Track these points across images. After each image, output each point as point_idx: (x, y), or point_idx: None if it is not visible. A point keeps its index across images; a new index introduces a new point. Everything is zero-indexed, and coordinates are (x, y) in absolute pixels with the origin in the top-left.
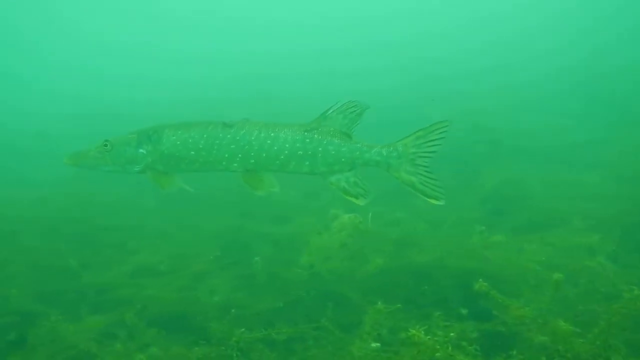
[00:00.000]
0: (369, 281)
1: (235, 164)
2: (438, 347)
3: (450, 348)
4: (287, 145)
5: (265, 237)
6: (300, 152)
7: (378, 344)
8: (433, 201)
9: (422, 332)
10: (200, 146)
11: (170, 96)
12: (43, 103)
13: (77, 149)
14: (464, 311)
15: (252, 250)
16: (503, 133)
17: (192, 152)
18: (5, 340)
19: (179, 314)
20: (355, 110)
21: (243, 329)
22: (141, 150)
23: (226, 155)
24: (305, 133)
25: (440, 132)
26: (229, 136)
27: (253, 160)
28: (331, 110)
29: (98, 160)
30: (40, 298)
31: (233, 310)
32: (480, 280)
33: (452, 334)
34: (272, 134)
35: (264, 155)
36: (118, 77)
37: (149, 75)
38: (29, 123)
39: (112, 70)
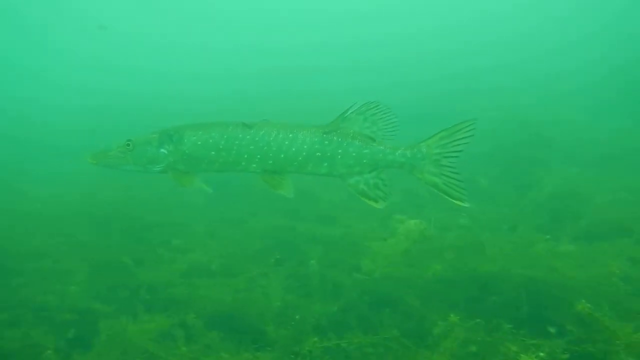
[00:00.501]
0: (429, 288)
1: (254, 165)
2: None
3: None
4: (305, 147)
5: (315, 238)
6: (319, 154)
7: None
8: (457, 202)
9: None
10: (220, 147)
11: (184, 91)
12: (76, 99)
13: (99, 148)
14: (552, 329)
15: (302, 251)
16: (548, 130)
17: (213, 153)
18: (65, 338)
19: (236, 317)
20: (375, 112)
21: (316, 338)
22: (162, 150)
23: (245, 156)
24: (324, 135)
25: (467, 131)
26: (248, 137)
27: (271, 161)
28: (350, 112)
29: (120, 160)
30: (98, 295)
31: (297, 317)
32: (583, 301)
33: (541, 354)
34: (290, 135)
35: (282, 156)
36: (139, 71)
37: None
38: (63, 119)
39: (132, 64)
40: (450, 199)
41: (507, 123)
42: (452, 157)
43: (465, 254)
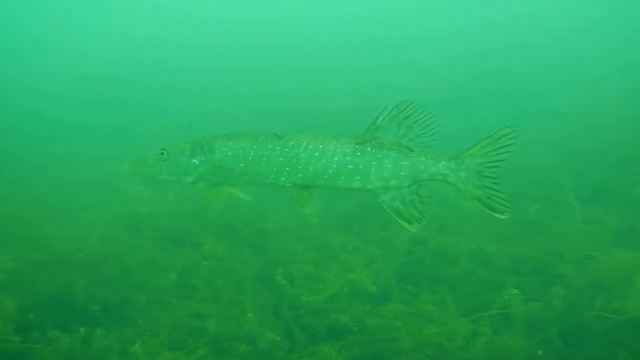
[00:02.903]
0: None
1: (283, 178)
2: None
3: None
4: (335, 159)
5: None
6: (351, 166)
7: None
8: (499, 215)
9: None
10: (250, 158)
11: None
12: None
13: (137, 157)
14: None
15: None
16: None
17: (242, 164)
18: None
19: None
20: (409, 115)
21: None
22: (194, 161)
23: (274, 168)
24: (357, 145)
25: (509, 138)
26: (277, 148)
27: (300, 174)
28: (381, 118)
29: (155, 169)
30: (262, 321)
31: None
32: None
33: None
34: (320, 147)
35: (312, 169)
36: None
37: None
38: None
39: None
40: (492, 212)
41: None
42: (494, 167)
43: None
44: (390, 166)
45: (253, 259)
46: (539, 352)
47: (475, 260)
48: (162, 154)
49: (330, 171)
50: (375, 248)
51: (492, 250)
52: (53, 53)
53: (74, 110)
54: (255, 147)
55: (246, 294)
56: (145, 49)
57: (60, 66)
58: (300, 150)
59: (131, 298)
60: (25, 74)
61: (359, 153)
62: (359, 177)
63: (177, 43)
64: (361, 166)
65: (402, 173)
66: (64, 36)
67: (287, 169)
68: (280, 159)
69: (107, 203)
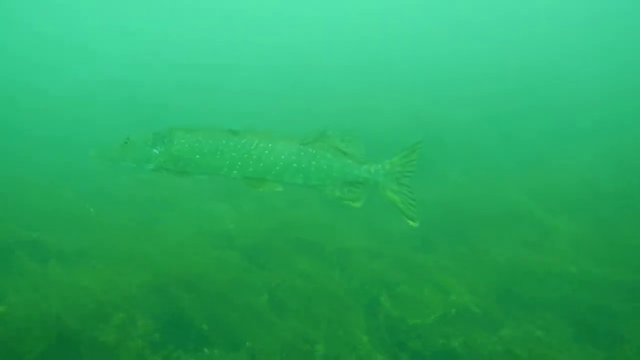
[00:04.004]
0: None
1: (235, 171)
2: None
3: None
4: (282, 157)
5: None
6: (295, 165)
7: None
8: (410, 222)
9: None
10: (205, 151)
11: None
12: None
13: (103, 144)
14: None
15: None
16: None
17: (198, 156)
18: None
19: None
20: (350, 141)
21: None
22: (155, 150)
23: (227, 162)
24: (300, 146)
25: (417, 153)
26: (231, 144)
27: (251, 169)
28: (329, 130)
29: (119, 156)
30: (373, 344)
31: None
32: None
33: None
34: (269, 145)
35: (261, 165)
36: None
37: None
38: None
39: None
40: (406, 218)
41: None
42: (408, 176)
43: None
44: (325, 167)
45: (341, 276)
46: None
47: (577, 282)
48: (126, 142)
49: (277, 168)
50: (463, 266)
51: (595, 272)
52: (66, 55)
53: (86, 114)
54: (210, 141)
55: (345, 314)
56: (150, 51)
57: (76, 71)
58: (252, 147)
59: (230, 317)
60: (30, 76)
61: (302, 153)
62: (301, 175)
63: (187, 45)
64: (303, 165)
65: (334, 174)
66: (74, 37)
67: (239, 163)
68: (233, 153)
69: (185, 220)
